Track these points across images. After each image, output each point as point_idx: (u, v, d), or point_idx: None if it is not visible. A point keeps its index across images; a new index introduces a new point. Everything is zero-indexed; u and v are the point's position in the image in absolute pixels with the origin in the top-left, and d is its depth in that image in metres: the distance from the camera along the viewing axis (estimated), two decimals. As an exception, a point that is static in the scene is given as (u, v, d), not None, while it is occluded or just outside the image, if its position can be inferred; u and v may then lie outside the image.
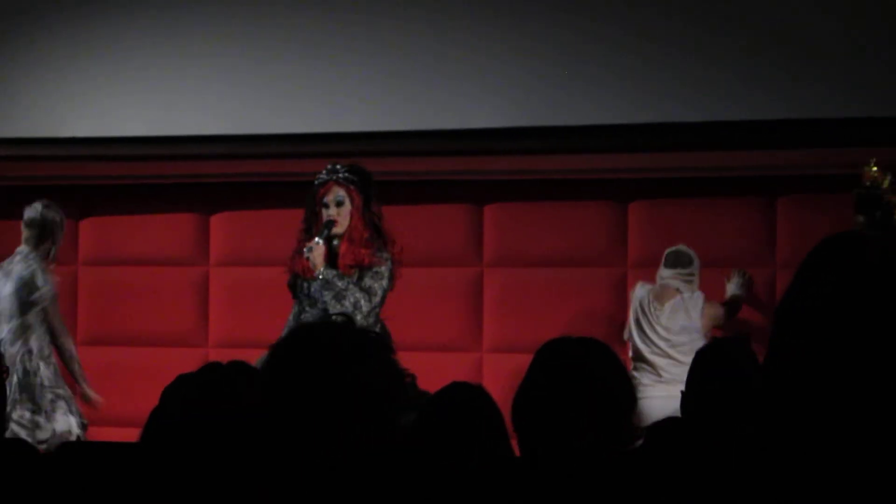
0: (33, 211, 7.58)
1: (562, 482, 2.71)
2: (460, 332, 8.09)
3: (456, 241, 8.16)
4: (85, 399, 7.51)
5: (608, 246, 7.97)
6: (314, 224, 6.13)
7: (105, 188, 8.58)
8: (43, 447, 7.27)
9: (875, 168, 6.36)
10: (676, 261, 7.30)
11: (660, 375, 7.11)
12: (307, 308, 6.07)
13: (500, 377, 6.67)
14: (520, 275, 8.06)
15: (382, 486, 2.27)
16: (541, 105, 7.34)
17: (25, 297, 7.48)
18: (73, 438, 7.41)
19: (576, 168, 7.86)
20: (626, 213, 7.97)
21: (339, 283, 5.98)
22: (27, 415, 7.42)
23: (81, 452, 4.79)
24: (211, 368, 2.69)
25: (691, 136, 7.26)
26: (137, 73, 7.83)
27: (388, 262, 6.06)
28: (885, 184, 6.36)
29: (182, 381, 2.68)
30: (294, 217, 6.38)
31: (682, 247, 7.34)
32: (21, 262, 7.52)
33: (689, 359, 6.70)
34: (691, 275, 7.28)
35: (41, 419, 7.40)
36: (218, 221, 8.50)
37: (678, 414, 4.22)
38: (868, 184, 6.35)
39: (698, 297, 7.22)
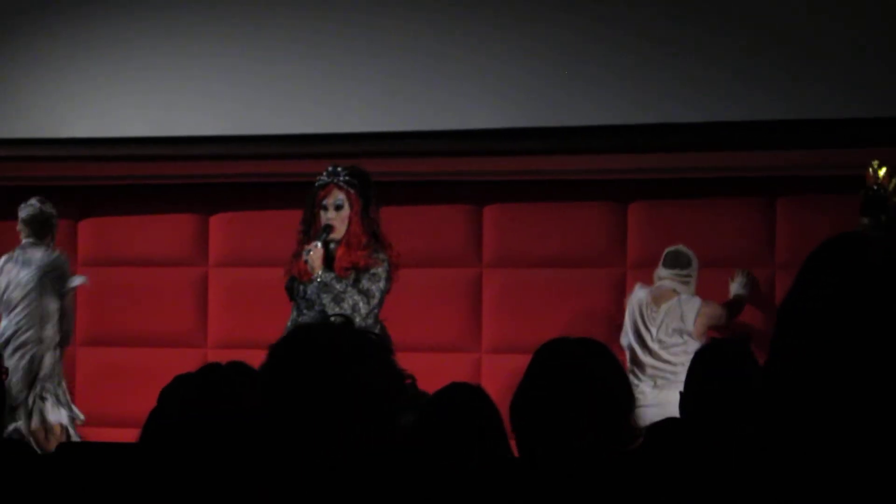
0: (31, 208, 7.59)
1: (561, 482, 2.71)
2: (459, 332, 8.09)
3: (455, 241, 8.15)
4: None
5: (607, 246, 7.97)
6: (312, 226, 6.13)
7: (104, 189, 8.58)
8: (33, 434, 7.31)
9: (881, 170, 6.37)
10: (675, 261, 7.29)
11: (654, 381, 7.10)
12: (304, 311, 6.07)
13: (499, 378, 6.67)
14: (519, 275, 8.06)
15: (382, 486, 2.27)
16: (541, 105, 7.34)
17: (56, 280, 7.49)
18: (62, 430, 7.43)
19: (575, 169, 7.85)
20: (626, 213, 7.97)
21: (338, 286, 5.98)
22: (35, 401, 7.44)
23: (80, 453, 4.78)
24: (210, 369, 2.69)
25: (691, 136, 7.25)
26: (137, 74, 7.83)
27: (385, 264, 6.05)
28: (892, 186, 6.37)
29: (181, 381, 2.68)
30: (294, 218, 6.37)
31: (681, 247, 7.33)
32: (40, 250, 7.51)
33: (680, 360, 6.69)
34: (689, 276, 7.27)
35: (36, 408, 7.41)
36: (217, 222, 8.49)
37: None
38: (874, 186, 6.36)
39: (695, 300, 7.21)
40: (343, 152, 7.17)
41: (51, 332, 7.51)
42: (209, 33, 7.76)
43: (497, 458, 3.37)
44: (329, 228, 6.06)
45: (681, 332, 7.12)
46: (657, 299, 7.23)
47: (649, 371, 7.15)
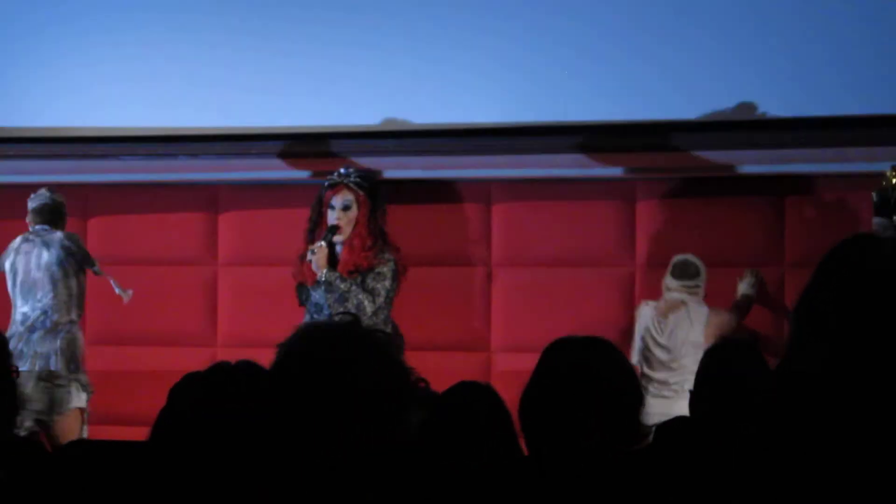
0: (42, 197, 7.56)
1: (569, 481, 2.71)
2: (468, 331, 8.09)
3: (464, 240, 8.15)
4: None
5: (616, 245, 7.96)
6: (319, 225, 6.14)
7: (113, 187, 8.59)
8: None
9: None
10: (683, 272, 7.28)
11: (664, 395, 7.08)
12: (314, 316, 6.07)
13: (509, 376, 6.67)
14: (528, 274, 8.06)
15: (390, 484, 2.27)
16: (550, 103, 7.34)
17: (81, 260, 7.46)
18: (82, 414, 7.43)
19: (585, 167, 7.85)
20: (635, 212, 7.97)
21: (342, 286, 5.97)
22: (82, 378, 7.43)
23: (90, 451, 4.79)
24: (219, 368, 2.69)
25: (699, 135, 7.25)
26: (147, 72, 7.83)
27: (391, 263, 6.05)
28: None
29: (190, 380, 2.69)
30: (303, 217, 6.38)
31: (689, 257, 7.31)
32: (59, 233, 7.49)
33: (689, 371, 6.66)
34: (697, 286, 7.27)
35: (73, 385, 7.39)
36: (226, 221, 8.50)
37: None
38: (888, 187, 6.37)
39: (703, 309, 7.21)
40: (352, 150, 7.17)
41: (76, 312, 7.49)
42: (220, 31, 7.77)
43: (506, 457, 3.37)
44: (334, 229, 6.06)
45: (691, 342, 7.12)
46: (665, 311, 7.24)
47: (657, 385, 7.15)
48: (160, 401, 2.70)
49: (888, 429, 1.99)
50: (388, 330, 5.92)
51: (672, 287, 7.27)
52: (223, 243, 8.51)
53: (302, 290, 6.15)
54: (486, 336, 8.10)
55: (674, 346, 7.16)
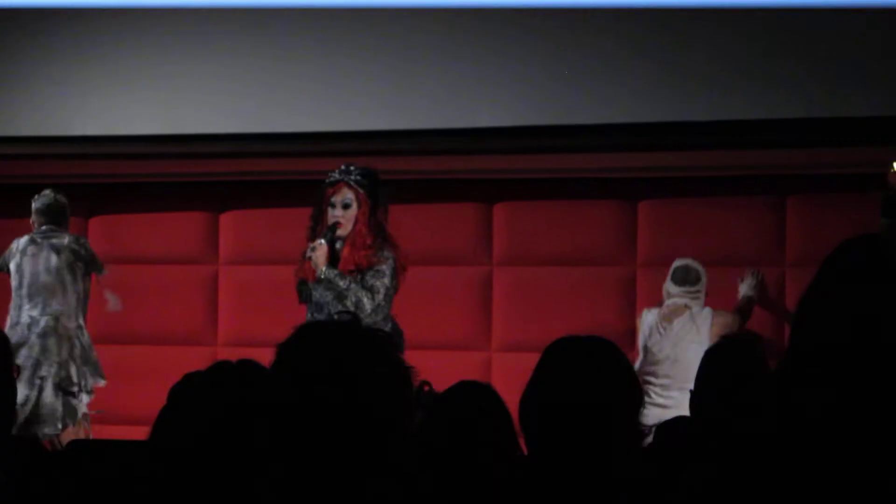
0: (46, 197, 7.56)
1: (569, 481, 2.71)
2: (469, 330, 8.10)
3: (465, 239, 8.16)
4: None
5: (617, 245, 7.96)
6: (320, 223, 6.14)
7: (114, 186, 8.59)
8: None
9: None
10: (685, 278, 7.28)
11: (666, 406, 7.07)
12: (315, 315, 6.07)
13: (509, 376, 6.67)
14: (529, 273, 8.06)
15: (390, 484, 2.27)
16: (551, 104, 7.34)
17: (88, 263, 7.46)
18: (84, 418, 7.44)
19: (586, 167, 7.85)
20: (636, 211, 7.97)
21: (341, 283, 5.97)
22: (99, 381, 7.44)
23: (90, 450, 4.80)
24: (220, 367, 2.69)
25: (701, 135, 7.25)
26: (147, 71, 7.83)
27: (390, 261, 6.05)
28: None
29: (191, 379, 2.68)
30: (304, 216, 6.38)
31: (689, 261, 7.30)
32: (65, 236, 7.48)
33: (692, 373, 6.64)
34: (699, 291, 7.28)
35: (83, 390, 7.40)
36: (227, 220, 8.50)
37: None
38: (894, 187, 6.37)
39: (707, 312, 7.22)
40: (353, 150, 7.17)
41: (83, 316, 7.50)
42: (219, 31, 7.77)
43: (506, 456, 3.37)
44: (335, 227, 6.06)
45: (697, 346, 7.12)
46: (669, 316, 7.23)
47: (658, 390, 7.14)
48: (160, 400, 2.70)
49: (888, 429, 1.99)
50: (388, 328, 5.92)
51: (673, 293, 7.27)
52: (224, 242, 8.51)
53: (303, 288, 6.15)
54: (487, 336, 8.11)
55: (680, 353, 7.15)
